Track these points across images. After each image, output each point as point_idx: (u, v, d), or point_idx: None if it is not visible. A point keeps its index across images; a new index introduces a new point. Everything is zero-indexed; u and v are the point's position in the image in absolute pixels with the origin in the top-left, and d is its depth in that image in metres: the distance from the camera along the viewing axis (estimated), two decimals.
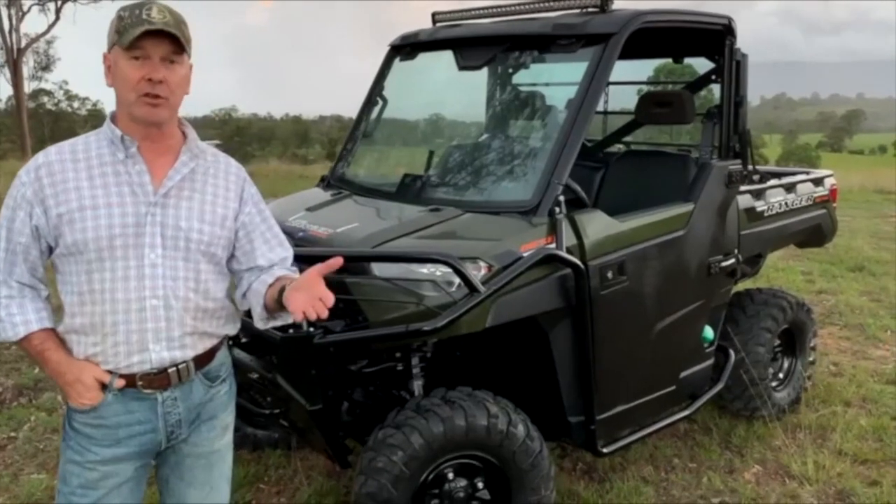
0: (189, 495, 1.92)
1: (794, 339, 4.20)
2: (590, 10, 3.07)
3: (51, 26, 31.79)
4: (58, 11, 30.97)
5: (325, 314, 1.66)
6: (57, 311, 1.78)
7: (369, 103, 3.73)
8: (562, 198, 2.74)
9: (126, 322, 1.70)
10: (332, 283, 2.54)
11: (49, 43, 34.98)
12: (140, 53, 1.62)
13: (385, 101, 3.72)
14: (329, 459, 3.05)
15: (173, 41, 1.64)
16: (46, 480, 3.35)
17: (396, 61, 3.71)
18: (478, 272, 2.54)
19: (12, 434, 3.83)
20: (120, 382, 1.74)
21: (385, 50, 3.76)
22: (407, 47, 3.65)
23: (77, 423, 1.77)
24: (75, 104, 47.48)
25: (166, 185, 1.73)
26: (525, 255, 2.61)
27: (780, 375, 4.18)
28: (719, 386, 3.64)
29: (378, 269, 2.62)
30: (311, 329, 2.46)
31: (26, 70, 33.73)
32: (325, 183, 3.66)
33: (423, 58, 3.62)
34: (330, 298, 1.67)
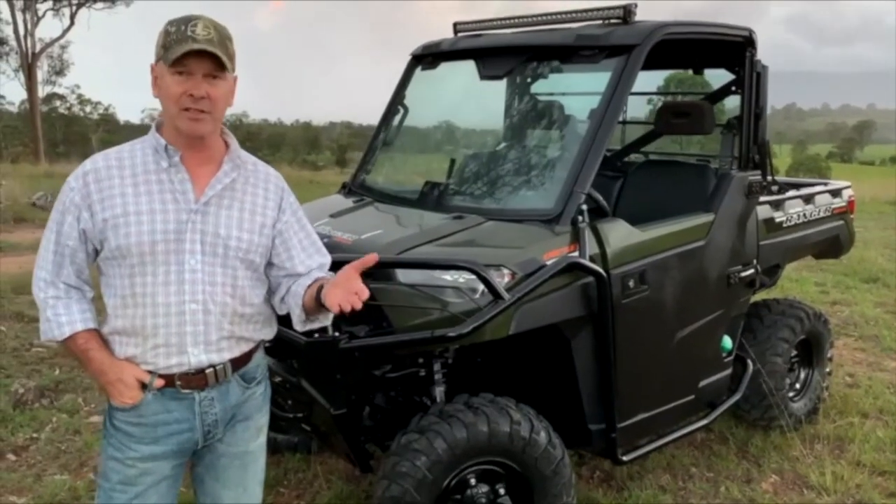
0: (223, 496, 1.96)
1: (811, 350, 4.20)
2: (612, 21, 3.10)
3: (65, 31, 32.15)
4: (72, 17, 31.35)
5: (358, 306, 1.73)
6: (100, 313, 1.82)
7: (390, 112, 3.77)
8: (584, 207, 2.76)
9: (166, 325, 1.75)
10: None
11: (63, 48, 35.33)
12: (183, 69, 1.67)
13: (406, 109, 3.76)
14: (350, 463, 3.07)
15: (215, 59, 1.68)
16: (69, 481, 3.38)
17: (418, 70, 3.75)
18: (501, 279, 2.56)
19: (34, 435, 3.87)
20: (159, 382, 1.79)
21: (397, 57, 3.80)
22: (428, 57, 3.69)
23: (118, 422, 1.82)
24: (87, 109, 47.84)
25: (208, 193, 1.77)
26: (548, 263, 2.63)
27: (797, 386, 4.19)
28: (737, 396, 3.65)
29: (402, 275, 2.65)
30: (337, 334, 2.49)
31: (40, 74, 34.11)
32: (347, 190, 3.69)
33: (445, 67, 3.66)
34: (364, 293, 1.74)
